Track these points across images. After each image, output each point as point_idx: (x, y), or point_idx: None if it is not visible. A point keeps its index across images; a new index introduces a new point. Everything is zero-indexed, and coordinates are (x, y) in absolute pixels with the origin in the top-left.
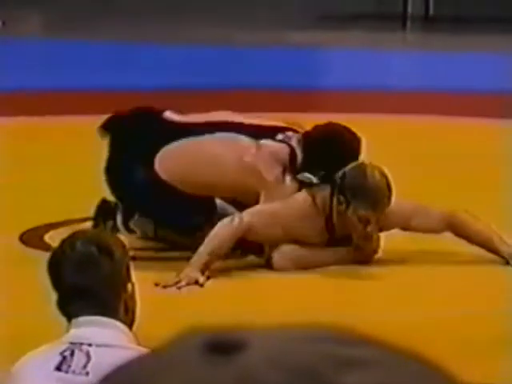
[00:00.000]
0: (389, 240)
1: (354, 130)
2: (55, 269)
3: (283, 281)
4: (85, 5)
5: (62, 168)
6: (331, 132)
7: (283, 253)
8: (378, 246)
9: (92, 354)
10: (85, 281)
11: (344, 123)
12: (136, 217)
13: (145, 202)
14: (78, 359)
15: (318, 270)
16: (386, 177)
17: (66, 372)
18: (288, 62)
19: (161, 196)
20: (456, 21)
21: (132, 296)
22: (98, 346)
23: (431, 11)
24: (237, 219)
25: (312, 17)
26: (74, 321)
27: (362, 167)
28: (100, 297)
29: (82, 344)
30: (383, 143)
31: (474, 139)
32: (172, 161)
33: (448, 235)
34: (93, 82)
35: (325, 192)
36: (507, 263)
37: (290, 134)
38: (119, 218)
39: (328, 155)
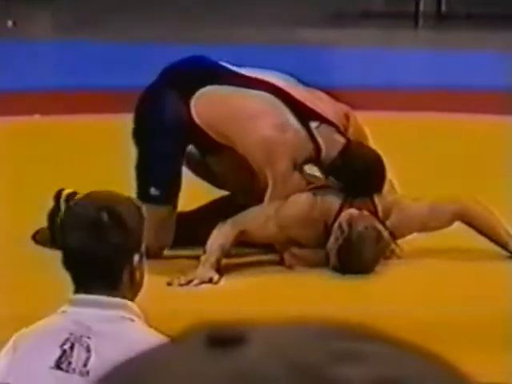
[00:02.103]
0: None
1: (366, 127)
2: (62, 228)
3: (295, 277)
4: (96, 5)
5: (75, 167)
6: (371, 161)
7: (293, 252)
8: (389, 251)
9: (92, 347)
10: (90, 247)
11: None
12: None
13: None
14: (78, 355)
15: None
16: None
17: (67, 370)
18: (299, 60)
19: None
20: (468, 18)
21: (140, 267)
22: (98, 337)
23: (443, 9)
24: (228, 224)
25: (323, 15)
26: (76, 297)
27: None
28: (104, 265)
29: (81, 337)
30: (395, 141)
31: (487, 136)
32: (208, 104)
33: (455, 231)
34: (104, 81)
35: (332, 197)
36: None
37: (324, 127)
38: None
39: (356, 180)
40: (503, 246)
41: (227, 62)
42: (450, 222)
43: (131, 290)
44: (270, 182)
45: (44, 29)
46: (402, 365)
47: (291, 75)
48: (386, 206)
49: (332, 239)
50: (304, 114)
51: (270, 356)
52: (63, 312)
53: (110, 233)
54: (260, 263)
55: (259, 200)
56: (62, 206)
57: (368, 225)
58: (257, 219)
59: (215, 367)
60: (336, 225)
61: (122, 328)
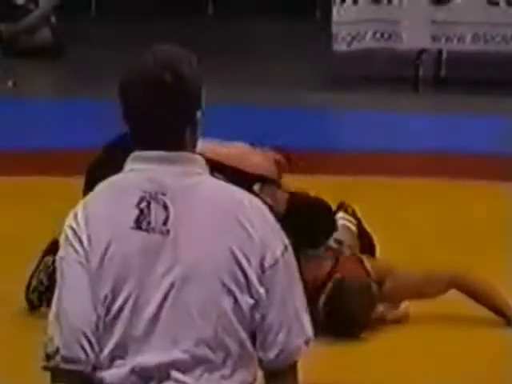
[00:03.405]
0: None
1: (366, 192)
2: (124, 88)
3: None
4: (95, 64)
5: None
6: (318, 209)
7: None
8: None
9: (169, 204)
10: (155, 108)
11: (355, 185)
12: None
13: None
14: (156, 214)
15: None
16: None
17: (147, 230)
18: (300, 123)
19: None
20: (468, 83)
21: (201, 122)
22: (173, 192)
23: (443, 73)
24: None
25: (324, 78)
26: (143, 153)
27: None
28: (168, 125)
29: (156, 193)
30: (395, 205)
31: (488, 201)
32: None
33: (448, 298)
34: (105, 140)
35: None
36: (509, 324)
37: (266, 186)
38: None
39: (307, 231)
40: (499, 313)
41: (225, 121)
42: (445, 290)
43: (193, 144)
44: None
45: (44, 88)
46: None
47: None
48: (379, 272)
49: (323, 298)
50: (244, 178)
51: None
52: (131, 170)
53: (174, 93)
54: None
55: None
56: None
57: (358, 279)
58: None
59: None
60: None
61: (195, 182)
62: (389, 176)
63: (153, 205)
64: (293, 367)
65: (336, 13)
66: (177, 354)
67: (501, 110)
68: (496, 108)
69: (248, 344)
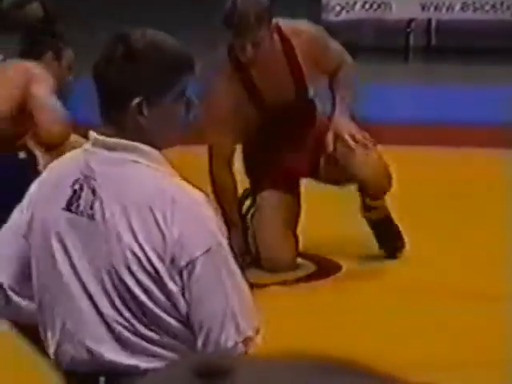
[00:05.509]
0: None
1: None
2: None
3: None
4: (83, 42)
5: None
6: None
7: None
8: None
9: (98, 190)
10: (101, 77)
11: None
12: None
13: None
14: (86, 197)
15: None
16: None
17: (76, 213)
18: None
19: None
20: (458, 52)
21: (153, 112)
22: (100, 179)
23: (433, 42)
24: None
25: None
26: (92, 135)
27: None
28: (108, 98)
29: (89, 178)
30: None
31: (476, 170)
32: None
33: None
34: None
35: None
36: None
37: None
38: None
39: None
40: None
41: None
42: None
43: (141, 134)
44: None
45: None
46: None
47: None
48: None
49: None
50: None
51: None
52: (85, 150)
53: (119, 66)
54: None
55: None
56: None
57: None
58: None
59: None
60: None
61: (124, 171)
62: (380, 145)
63: (85, 188)
64: None
65: None
66: (112, 344)
67: (490, 79)
68: (486, 76)
69: (179, 329)
